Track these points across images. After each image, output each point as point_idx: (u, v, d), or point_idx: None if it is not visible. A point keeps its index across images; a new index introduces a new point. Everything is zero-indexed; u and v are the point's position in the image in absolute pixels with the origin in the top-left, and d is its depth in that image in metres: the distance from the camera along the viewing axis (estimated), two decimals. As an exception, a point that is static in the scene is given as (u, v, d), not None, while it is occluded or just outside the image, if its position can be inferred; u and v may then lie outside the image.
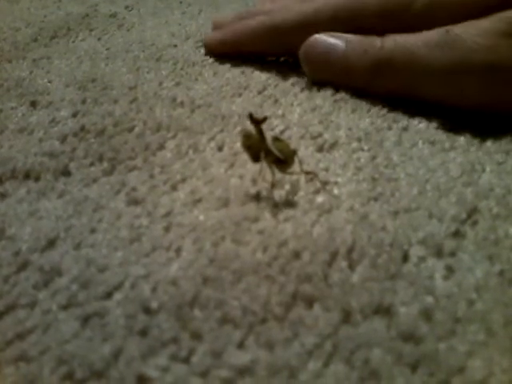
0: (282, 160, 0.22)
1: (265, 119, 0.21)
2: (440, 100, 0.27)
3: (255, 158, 0.22)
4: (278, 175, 0.22)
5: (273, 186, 0.22)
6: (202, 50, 0.36)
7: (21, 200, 0.23)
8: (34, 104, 0.30)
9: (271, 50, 0.34)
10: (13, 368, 0.16)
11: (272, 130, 0.27)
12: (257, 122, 0.21)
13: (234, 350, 0.16)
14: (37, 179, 0.24)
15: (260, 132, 0.22)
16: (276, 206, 0.22)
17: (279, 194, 0.22)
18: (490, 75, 0.25)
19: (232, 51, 0.35)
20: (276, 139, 0.22)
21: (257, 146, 0.22)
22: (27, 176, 0.24)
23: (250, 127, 0.22)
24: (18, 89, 0.32)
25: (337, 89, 0.29)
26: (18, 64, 0.36)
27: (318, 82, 0.30)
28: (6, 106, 0.30)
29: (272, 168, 0.22)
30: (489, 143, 0.25)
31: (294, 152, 0.22)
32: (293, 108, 0.29)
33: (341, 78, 0.30)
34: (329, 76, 0.30)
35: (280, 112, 0.28)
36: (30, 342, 0.17)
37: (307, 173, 0.23)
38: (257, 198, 0.22)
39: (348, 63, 0.29)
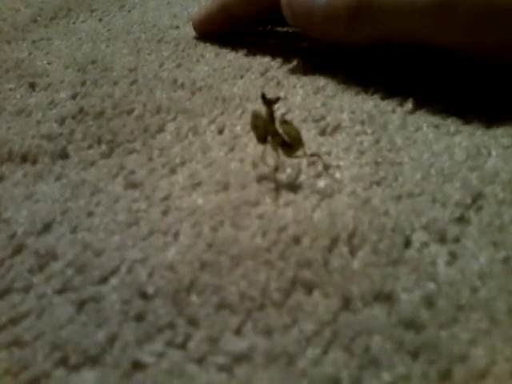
0: (288, 144, 0.21)
1: (277, 100, 0.21)
2: (423, 41, 0.26)
3: (262, 139, 0.22)
4: (282, 158, 0.22)
5: (276, 169, 0.21)
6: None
7: (17, 183, 0.23)
8: (32, 86, 0.30)
9: (259, 15, 0.33)
10: (6, 353, 0.16)
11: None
12: (269, 103, 0.21)
13: (231, 337, 0.16)
14: (34, 162, 0.24)
15: (270, 113, 0.21)
16: (276, 191, 0.21)
17: (280, 178, 0.22)
18: (475, 12, 0.24)
19: (220, 25, 0.34)
20: (284, 122, 0.21)
21: (265, 127, 0.21)
22: (24, 159, 0.24)
23: (260, 107, 0.21)
24: (17, 70, 0.32)
25: (339, 71, 0.29)
26: (17, 45, 0.35)
27: (320, 65, 0.30)
28: (4, 87, 0.30)
29: (277, 151, 0.21)
30: (495, 127, 0.25)
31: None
32: (295, 90, 0.28)
33: (321, 28, 0.29)
34: (309, 24, 0.29)
35: (282, 94, 0.28)
36: (24, 326, 0.17)
37: (311, 155, 0.22)
38: (257, 181, 0.22)
39: (329, 8, 0.28)
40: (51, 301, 0.18)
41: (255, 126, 0.22)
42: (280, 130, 0.21)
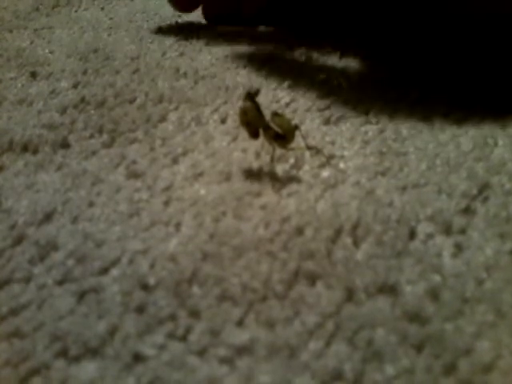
0: (282, 135, 0.21)
1: (258, 92, 0.21)
2: None
3: (254, 135, 0.21)
4: (280, 150, 0.22)
5: (272, 160, 0.21)
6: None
7: (18, 173, 0.22)
8: (34, 75, 0.30)
9: None
10: (6, 344, 0.16)
11: (277, 102, 0.26)
12: (252, 97, 0.21)
13: (233, 329, 0.16)
14: (35, 152, 0.24)
15: (257, 108, 0.21)
16: (279, 181, 0.21)
17: (283, 168, 0.22)
18: None
19: None
20: (276, 114, 0.21)
21: (255, 122, 0.21)
22: (25, 148, 0.24)
23: (247, 103, 0.21)
24: (18, 59, 0.31)
25: (343, 60, 0.28)
26: (19, 34, 0.35)
27: (324, 54, 0.29)
28: (5, 76, 0.30)
29: (272, 144, 0.21)
30: (502, 117, 0.24)
31: (295, 127, 0.21)
32: (299, 80, 0.28)
33: None
34: None
35: (286, 84, 0.27)
36: (24, 317, 0.17)
37: (310, 148, 0.22)
38: (260, 172, 0.22)
39: None
40: (51, 292, 0.17)
41: (246, 123, 0.21)
42: (272, 123, 0.21)
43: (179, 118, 0.25)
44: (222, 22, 0.34)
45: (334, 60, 0.29)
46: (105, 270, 0.18)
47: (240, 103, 0.21)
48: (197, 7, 0.34)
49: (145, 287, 0.17)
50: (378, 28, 0.30)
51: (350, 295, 0.17)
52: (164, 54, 0.31)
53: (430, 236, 0.19)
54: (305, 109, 0.25)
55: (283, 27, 0.33)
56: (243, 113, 0.21)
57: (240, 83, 0.28)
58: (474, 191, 0.20)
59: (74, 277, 0.18)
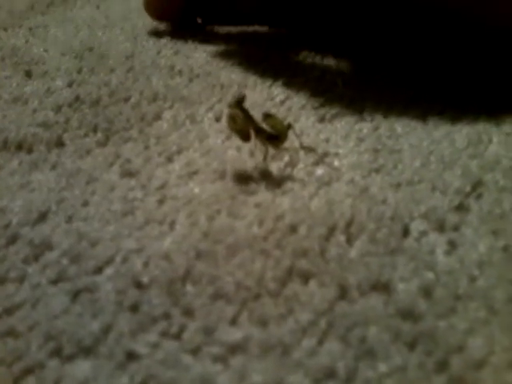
0: (275, 136, 0.21)
1: (244, 97, 0.21)
2: None
3: (246, 138, 0.21)
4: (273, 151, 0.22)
5: (265, 159, 0.21)
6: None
7: (12, 172, 0.22)
8: (29, 73, 0.30)
9: None
10: (0, 343, 0.16)
11: (272, 99, 0.26)
12: (239, 104, 0.21)
13: (227, 327, 0.16)
14: (29, 151, 0.24)
15: (246, 114, 0.21)
16: (273, 179, 0.21)
17: (277, 167, 0.22)
18: None
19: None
20: (267, 116, 0.21)
21: (245, 128, 0.21)
22: (19, 147, 0.24)
23: (234, 110, 0.21)
24: (13, 58, 0.31)
25: (339, 59, 0.28)
26: (14, 32, 0.35)
27: (320, 54, 0.29)
28: (0, 75, 0.30)
29: (266, 145, 0.21)
30: (497, 113, 0.24)
31: (288, 126, 0.21)
32: (294, 77, 0.28)
33: None
34: None
35: (281, 82, 0.27)
36: (18, 317, 0.17)
37: (304, 147, 0.22)
38: (254, 170, 0.22)
39: None
40: (46, 291, 0.17)
41: (237, 129, 0.21)
42: (264, 124, 0.21)
43: (174, 117, 0.25)
44: (217, 22, 0.34)
45: (328, 59, 0.29)
46: (99, 269, 0.18)
47: (227, 111, 0.21)
48: (174, 17, 0.34)
49: (139, 286, 0.17)
50: (374, 27, 0.30)
51: (343, 293, 0.17)
52: (159, 52, 0.31)
53: (423, 233, 0.19)
54: (299, 106, 0.25)
55: (278, 27, 0.32)
56: (232, 120, 0.21)
57: (235, 81, 0.28)
58: (468, 188, 0.20)
59: (68, 276, 0.18)
